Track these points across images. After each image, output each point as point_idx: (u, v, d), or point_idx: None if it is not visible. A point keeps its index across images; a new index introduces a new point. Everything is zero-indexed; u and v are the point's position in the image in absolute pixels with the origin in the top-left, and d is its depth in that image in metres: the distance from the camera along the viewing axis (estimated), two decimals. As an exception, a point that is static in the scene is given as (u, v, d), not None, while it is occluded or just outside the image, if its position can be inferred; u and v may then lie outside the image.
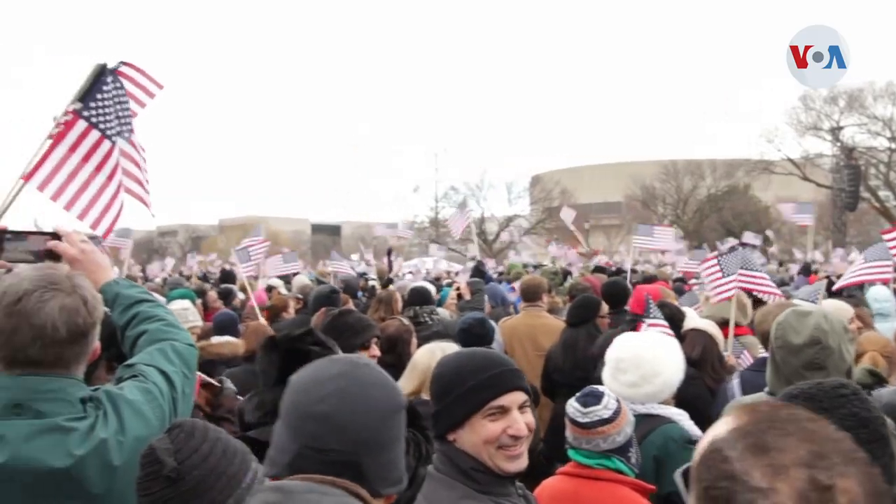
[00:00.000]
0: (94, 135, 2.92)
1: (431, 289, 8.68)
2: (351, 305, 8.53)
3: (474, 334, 5.68)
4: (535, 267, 17.18)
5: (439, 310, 7.92)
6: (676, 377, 3.75)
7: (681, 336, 5.33)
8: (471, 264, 17.21)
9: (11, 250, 2.64)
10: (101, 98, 2.93)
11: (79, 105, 2.93)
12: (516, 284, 11.20)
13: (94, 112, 2.92)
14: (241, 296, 11.06)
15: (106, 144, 2.95)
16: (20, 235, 2.66)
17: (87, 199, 2.97)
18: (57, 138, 2.90)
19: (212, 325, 7.27)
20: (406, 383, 4.23)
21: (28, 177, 2.81)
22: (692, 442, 3.60)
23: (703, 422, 3.79)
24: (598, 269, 14.77)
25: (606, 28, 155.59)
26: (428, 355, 4.26)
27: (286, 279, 13.98)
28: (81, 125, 2.90)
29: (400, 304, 7.76)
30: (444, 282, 13.68)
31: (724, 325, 6.22)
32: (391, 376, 4.67)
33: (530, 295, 7.53)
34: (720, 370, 5.48)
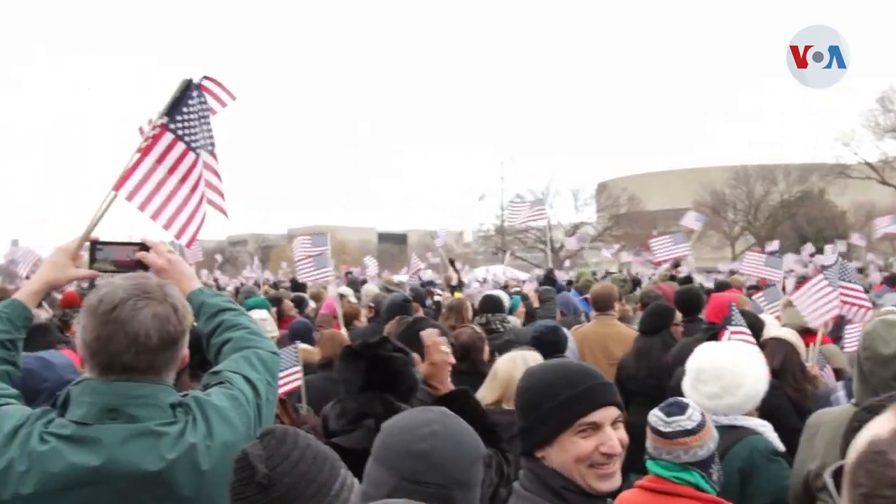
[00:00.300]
0: (180, 147, 3.01)
1: (504, 297, 8.65)
2: (421, 314, 8.58)
3: (547, 342, 5.64)
4: (606, 274, 16.97)
5: (510, 318, 7.90)
6: (760, 389, 3.63)
7: (760, 345, 5.20)
8: (538, 272, 17.13)
9: (101, 260, 2.73)
10: (186, 112, 3.03)
11: (165, 119, 3.02)
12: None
13: (179, 125, 3.02)
14: (312, 304, 11.21)
15: (190, 156, 3.04)
16: (110, 246, 2.75)
17: (172, 210, 3.06)
18: (145, 151, 3.00)
19: (287, 332, 7.39)
20: (487, 393, 4.20)
21: (118, 187, 2.90)
22: (778, 454, 3.51)
23: (785, 433, 3.68)
24: (671, 278, 14.52)
25: (672, 34, 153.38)
26: (510, 365, 4.22)
27: (355, 288, 14.13)
28: (168, 137, 2.99)
29: (470, 313, 7.78)
30: (513, 290, 13.60)
31: (803, 333, 6.03)
32: (466, 384, 4.71)
33: (602, 303, 7.44)
34: (802, 380, 5.30)
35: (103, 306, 2.11)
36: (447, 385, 3.95)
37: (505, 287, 15.00)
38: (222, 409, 2.23)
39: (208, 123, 3.14)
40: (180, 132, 3.03)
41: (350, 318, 8.93)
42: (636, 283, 14.39)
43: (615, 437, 2.17)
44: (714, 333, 5.49)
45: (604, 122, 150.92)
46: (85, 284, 10.03)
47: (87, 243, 2.74)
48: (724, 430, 3.42)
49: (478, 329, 5.97)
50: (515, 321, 8.28)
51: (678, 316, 6.85)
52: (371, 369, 3.25)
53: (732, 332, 5.00)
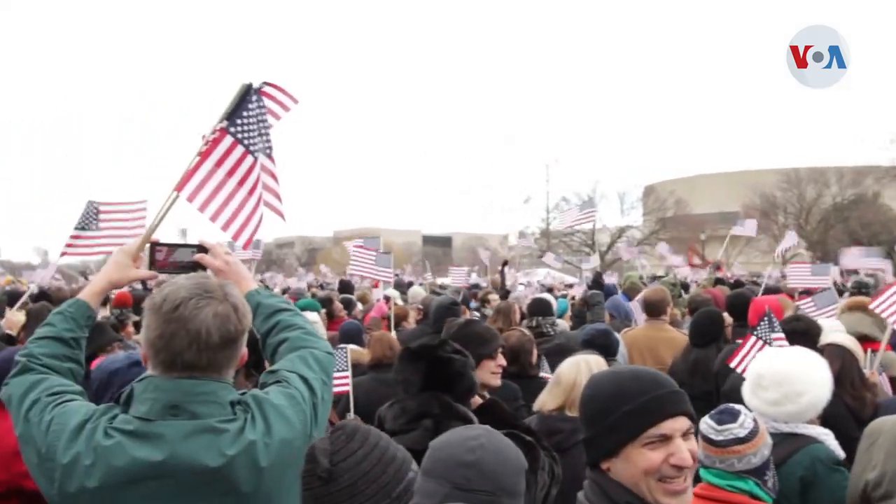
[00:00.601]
0: (239, 150, 3.07)
1: (552, 300, 8.62)
2: (468, 315, 8.59)
3: (598, 345, 5.59)
4: (654, 278, 16.78)
5: (559, 321, 7.87)
6: (823, 397, 3.51)
7: (818, 351, 5.07)
8: (589, 275, 17.01)
9: (162, 262, 2.78)
10: (246, 116, 3.09)
11: (225, 123, 3.07)
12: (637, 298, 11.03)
13: (239, 129, 3.07)
14: (360, 306, 11.28)
15: (249, 160, 3.09)
16: (170, 247, 2.80)
17: (230, 212, 3.11)
18: (205, 154, 3.05)
19: (337, 334, 7.44)
20: (549, 399, 4.12)
21: (179, 188, 2.96)
22: (839, 463, 3.42)
23: (843, 442, 3.59)
24: (719, 281, 14.31)
25: (721, 34, 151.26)
26: (573, 370, 4.15)
27: (402, 290, 14.22)
28: (228, 141, 3.06)
29: (518, 315, 7.77)
30: (559, 293, 13.54)
31: (861, 340, 5.87)
32: (516, 386, 4.65)
33: (654, 308, 7.34)
34: (860, 388, 5.16)
35: (167, 305, 2.15)
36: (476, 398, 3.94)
37: (550, 290, 14.94)
38: (280, 407, 2.26)
39: (266, 127, 3.19)
40: (239, 136, 3.08)
41: (399, 320, 8.98)
42: (685, 287, 14.21)
43: (686, 449, 2.05)
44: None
45: (650, 125, 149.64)
46: (138, 285, 10.24)
47: (148, 245, 2.79)
48: (784, 437, 3.35)
49: (526, 332, 5.95)
50: (564, 325, 8.24)
51: (728, 320, 6.75)
52: (430, 370, 3.28)
53: (774, 339, 4.88)
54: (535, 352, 5.65)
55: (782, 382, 3.44)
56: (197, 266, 2.75)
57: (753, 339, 4.89)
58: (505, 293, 13.02)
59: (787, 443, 3.34)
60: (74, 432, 2.13)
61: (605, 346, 5.61)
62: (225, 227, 3.13)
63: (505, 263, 15.55)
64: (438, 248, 77.23)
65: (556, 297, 11.36)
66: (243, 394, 2.29)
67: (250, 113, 3.12)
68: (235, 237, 3.19)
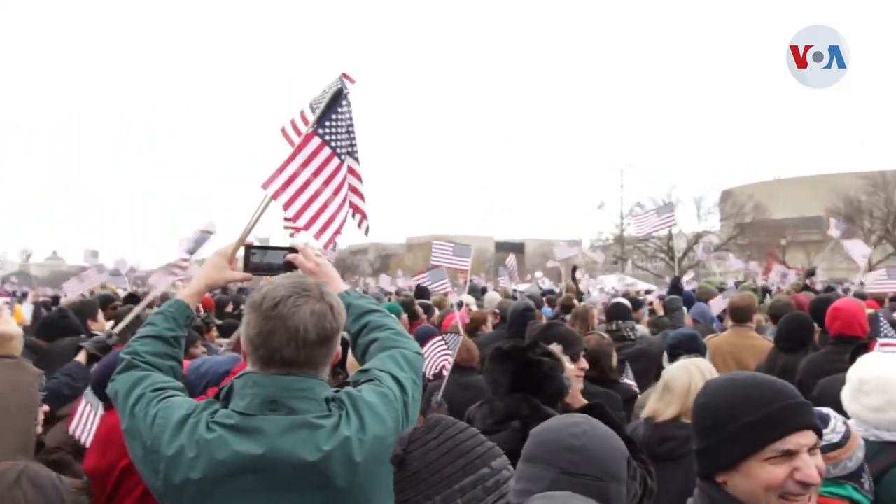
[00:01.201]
0: (326, 151, 3.13)
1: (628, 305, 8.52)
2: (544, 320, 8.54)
3: (685, 350, 5.48)
4: (736, 285, 16.36)
5: (638, 326, 7.78)
6: None
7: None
8: (669, 279, 16.74)
9: (256, 264, 2.87)
10: (335, 118, 3.15)
11: (315, 125, 3.14)
12: (711, 302, 10.78)
13: (327, 130, 3.13)
14: (437, 311, 11.34)
15: (335, 161, 3.15)
16: (263, 250, 2.89)
17: (313, 211, 3.16)
18: (292, 154, 3.13)
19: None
20: (660, 406, 3.93)
21: (266, 185, 3.02)
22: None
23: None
24: (805, 288, 13.87)
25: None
26: (685, 375, 3.97)
27: (476, 296, 14.25)
28: (315, 142, 3.11)
29: (595, 320, 7.72)
30: (634, 299, 13.31)
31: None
32: (619, 396, 4.56)
33: (741, 314, 7.14)
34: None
35: (266, 303, 2.21)
36: (578, 398, 3.90)
37: (625, 295, 14.75)
38: (373, 405, 2.29)
39: (353, 130, 3.23)
40: (327, 137, 3.14)
41: (477, 325, 9.00)
42: (766, 291, 13.82)
43: (813, 465, 1.92)
44: (857, 347, 5.15)
45: (727, 128, 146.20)
46: (217, 290, 10.49)
47: (243, 247, 2.88)
48: (885, 446, 3.21)
49: (605, 336, 5.89)
50: (643, 330, 8.15)
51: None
52: (519, 372, 3.30)
53: (882, 345, 4.69)
54: (614, 356, 5.60)
55: (887, 389, 3.29)
56: (289, 268, 2.81)
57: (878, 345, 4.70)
58: (580, 297, 12.91)
59: (889, 451, 3.20)
60: (178, 426, 2.20)
61: (692, 352, 5.49)
62: (307, 225, 3.18)
63: (575, 269, 15.40)
64: (511, 253, 76.99)
65: (633, 303, 11.24)
66: (337, 391, 2.33)
67: (340, 116, 3.18)
68: (317, 236, 3.23)
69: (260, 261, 2.86)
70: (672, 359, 5.40)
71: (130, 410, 2.33)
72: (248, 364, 2.28)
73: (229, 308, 12.10)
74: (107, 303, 9.73)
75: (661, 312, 10.66)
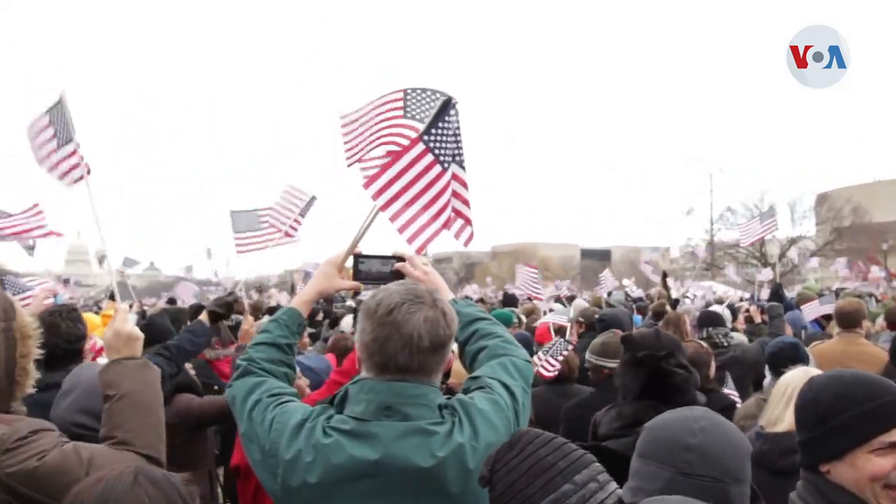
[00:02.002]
0: (428, 158, 3.17)
1: (726, 312, 8.34)
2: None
3: (786, 359, 5.33)
4: (838, 291, 15.76)
5: (734, 334, 7.60)
6: None
7: None
8: (762, 284, 16.24)
9: (364, 272, 2.94)
10: (441, 126, 3.18)
11: (421, 132, 3.23)
12: (805, 308, 10.44)
13: (432, 138, 3.18)
14: (524, 319, 11.35)
15: (436, 169, 3.18)
16: (371, 259, 2.95)
17: (409, 215, 3.21)
18: (395, 157, 3.19)
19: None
20: (789, 415, 3.81)
21: (367, 185, 3.13)
22: None
23: None
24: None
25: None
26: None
27: (562, 303, 14.18)
28: (420, 147, 3.17)
29: (688, 326, 7.57)
30: (731, 305, 12.97)
31: None
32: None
33: (849, 320, 6.88)
34: None
35: (381, 310, 2.26)
36: None
37: (719, 303, 14.38)
38: (485, 412, 2.31)
39: (460, 138, 3.28)
40: (431, 145, 3.19)
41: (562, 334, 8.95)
42: (871, 299, 13.30)
43: None
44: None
45: (820, 129, 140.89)
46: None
47: (352, 256, 2.95)
48: None
49: (703, 344, 5.77)
50: (741, 337, 7.94)
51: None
52: (650, 379, 3.29)
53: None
54: (713, 365, 5.48)
55: None
56: (397, 276, 2.87)
57: None
58: (674, 303, 12.66)
59: None
60: (295, 430, 2.26)
61: (793, 360, 5.34)
62: (402, 229, 3.22)
63: (665, 276, 15.11)
64: (597, 261, 76.08)
65: (731, 309, 11.02)
66: (449, 398, 2.36)
67: (446, 125, 3.21)
68: (410, 240, 3.26)
69: (368, 269, 2.92)
70: (773, 369, 5.27)
71: (248, 415, 2.41)
72: (362, 370, 2.33)
73: (319, 317, 12.36)
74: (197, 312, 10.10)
75: (757, 319, 10.39)
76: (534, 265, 12.95)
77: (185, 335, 4.97)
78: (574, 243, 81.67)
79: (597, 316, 9.09)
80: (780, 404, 3.84)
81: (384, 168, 3.18)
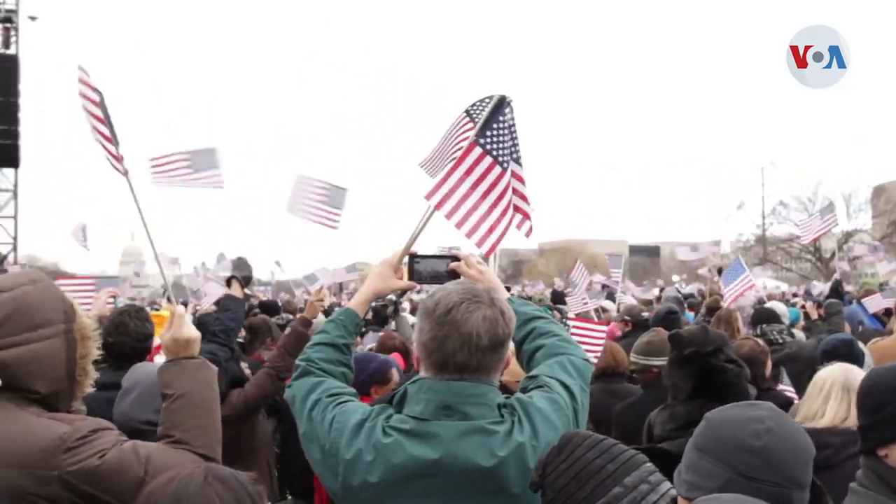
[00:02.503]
0: (487, 161, 3.19)
1: (782, 308, 8.18)
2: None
3: (840, 356, 5.23)
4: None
5: (794, 331, 7.46)
6: None
7: None
8: (817, 284, 15.90)
9: (420, 272, 2.95)
10: (496, 127, 3.20)
11: (476, 134, 3.24)
12: (867, 301, 10.20)
13: (488, 140, 3.19)
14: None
15: (496, 170, 3.20)
16: (427, 259, 2.97)
17: (475, 220, 3.22)
18: (456, 163, 3.21)
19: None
20: (825, 407, 3.77)
21: (429, 196, 3.14)
22: None
23: None
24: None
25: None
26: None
27: (614, 300, 14.09)
28: (477, 152, 3.18)
29: (740, 323, 7.46)
30: (790, 300, 12.72)
31: None
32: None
33: (911, 315, 6.75)
34: None
35: (439, 309, 2.26)
36: None
37: (770, 298, 14.12)
38: (544, 411, 2.31)
39: (516, 136, 3.29)
40: (488, 147, 3.20)
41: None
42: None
43: None
44: None
45: (875, 120, 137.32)
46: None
47: (408, 256, 2.97)
48: None
49: (760, 342, 5.68)
50: (800, 335, 7.78)
51: None
52: (700, 377, 3.23)
53: None
54: (769, 363, 5.39)
55: None
56: (453, 276, 2.87)
57: None
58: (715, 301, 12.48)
59: None
60: (355, 430, 2.28)
61: (847, 357, 5.23)
62: (469, 233, 3.23)
63: (720, 271, 14.85)
64: (646, 257, 75.28)
65: (788, 306, 10.83)
66: (508, 397, 2.35)
67: (501, 124, 3.22)
68: (479, 244, 3.28)
69: (424, 269, 2.93)
70: (826, 363, 5.18)
71: (308, 415, 2.44)
72: (421, 369, 2.35)
73: (368, 315, 12.47)
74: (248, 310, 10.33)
75: (814, 316, 10.20)
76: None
77: (225, 315, 5.08)
78: (622, 240, 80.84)
79: (645, 314, 8.99)
80: (819, 399, 3.79)
81: (445, 177, 3.21)
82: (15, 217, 31.89)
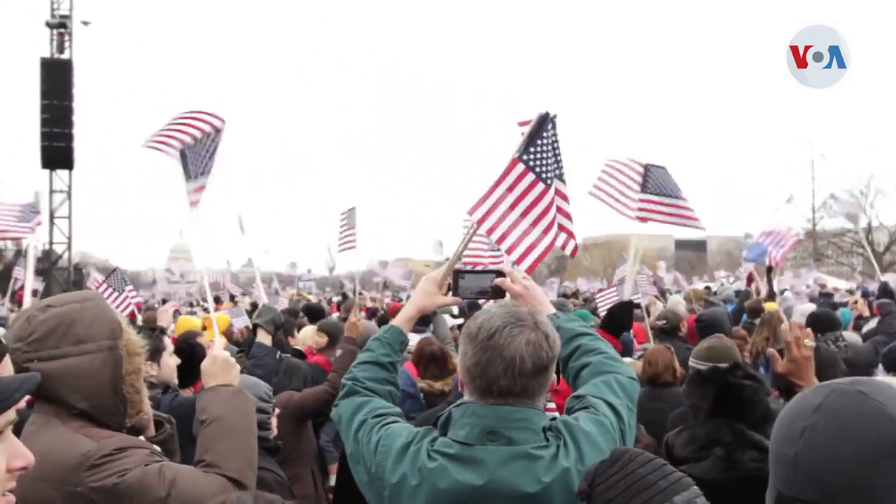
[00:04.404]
0: (530, 177, 3.19)
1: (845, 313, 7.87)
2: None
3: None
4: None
5: (847, 334, 7.20)
6: None
7: None
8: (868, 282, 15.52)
9: (464, 288, 2.94)
10: (540, 143, 3.19)
11: (520, 151, 3.22)
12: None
13: (532, 156, 3.19)
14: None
15: (539, 187, 3.20)
16: (471, 275, 2.97)
17: (516, 236, 3.22)
18: (498, 180, 3.21)
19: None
20: None
21: (472, 211, 3.15)
22: None
23: None
24: None
25: None
26: None
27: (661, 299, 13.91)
28: (520, 168, 3.18)
29: (785, 326, 7.25)
30: (840, 300, 12.36)
31: None
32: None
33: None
34: None
35: (482, 333, 2.25)
36: (812, 381, 3.69)
37: (828, 296, 13.73)
38: (591, 434, 2.28)
39: (559, 153, 3.27)
40: (532, 163, 3.20)
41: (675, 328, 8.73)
42: None
43: None
44: None
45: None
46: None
47: (452, 272, 2.97)
48: None
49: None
50: (854, 337, 7.45)
51: None
52: (720, 396, 3.17)
53: None
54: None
55: None
56: (497, 291, 2.87)
57: None
58: (772, 297, 12.18)
59: None
60: (400, 453, 2.29)
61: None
62: (510, 250, 3.24)
63: (770, 269, 14.43)
64: (692, 252, 74.28)
65: (837, 306, 10.54)
66: (553, 420, 2.33)
67: (544, 141, 3.22)
68: (519, 261, 3.27)
69: (468, 285, 2.92)
70: (890, 371, 5.06)
71: (354, 436, 2.46)
72: (465, 393, 2.33)
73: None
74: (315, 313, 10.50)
75: (865, 313, 9.94)
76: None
77: (250, 363, 5.07)
78: (668, 234, 79.76)
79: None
80: None
81: (487, 193, 3.21)
82: (69, 217, 32.57)
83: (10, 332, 2.38)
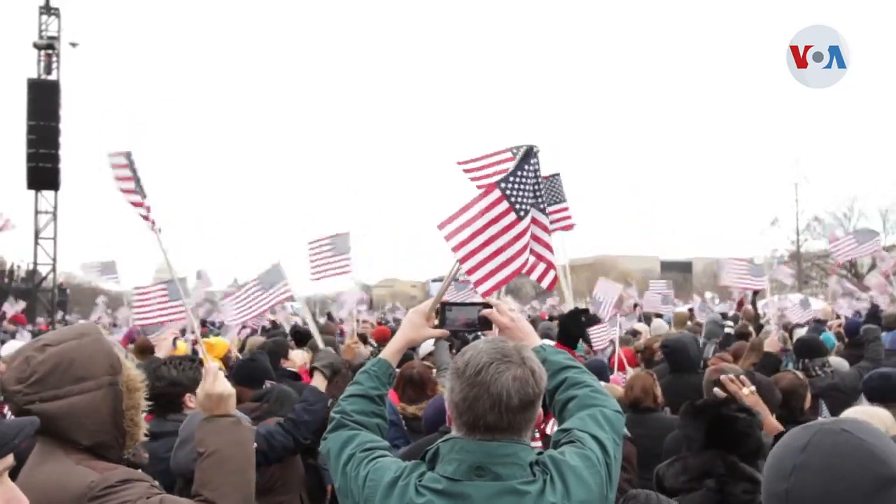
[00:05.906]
0: (503, 205, 3.23)
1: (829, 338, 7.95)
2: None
3: (878, 391, 5.14)
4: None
5: (833, 359, 7.28)
6: None
7: None
8: (848, 302, 15.60)
9: (451, 320, 2.97)
10: (520, 174, 3.24)
11: (500, 178, 3.29)
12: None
13: (510, 185, 3.24)
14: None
15: (511, 216, 3.23)
16: (458, 307, 2.99)
17: (479, 259, 3.25)
18: (472, 201, 3.26)
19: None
20: None
21: (442, 226, 3.20)
22: None
23: None
24: None
25: None
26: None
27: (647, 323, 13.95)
28: (496, 194, 3.23)
29: (777, 348, 7.32)
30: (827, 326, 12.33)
31: None
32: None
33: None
34: None
35: (469, 370, 2.26)
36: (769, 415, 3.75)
37: (818, 320, 13.78)
38: (577, 469, 2.29)
39: (539, 185, 3.32)
40: (508, 192, 3.23)
41: (651, 354, 8.80)
42: None
43: None
44: None
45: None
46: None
47: (439, 305, 2.99)
48: None
49: (800, 375, 5.59)
50: (841, 362, 7.53)
51: None
52: (713, 428, 3.21)
53: None
54: (808, 397, 5.31)
55: None
56: (484, 323, 2.89)
57: None
58: (759, 326, 12.25)
59: None
60: (388, 488, 2.29)
61: (885, 392, 5.13)
62: (471, 271, 3.25)
63: (756, 292, 14.50)
64: (678, 273, 74.49)
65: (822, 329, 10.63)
66: (540, 454, 2.34)
67: (525, 173, 3.26)
68: (477, 284, 3.29)
69: (455, 317, 2.95)
70: (870, 400, 5.10)
71: (342, 470, 2.47)
72: (453, 428, 2.34)
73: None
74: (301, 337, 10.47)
75: (846, 338, 10.05)
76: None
77: (301, 406, 4.79)
78: (654, 255, 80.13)
79: (657, 344, 8.75)
80: None
81: (460, 211, 3.23)
82: (54, 238, 32.46)
83: (8, 373, 2.37)
